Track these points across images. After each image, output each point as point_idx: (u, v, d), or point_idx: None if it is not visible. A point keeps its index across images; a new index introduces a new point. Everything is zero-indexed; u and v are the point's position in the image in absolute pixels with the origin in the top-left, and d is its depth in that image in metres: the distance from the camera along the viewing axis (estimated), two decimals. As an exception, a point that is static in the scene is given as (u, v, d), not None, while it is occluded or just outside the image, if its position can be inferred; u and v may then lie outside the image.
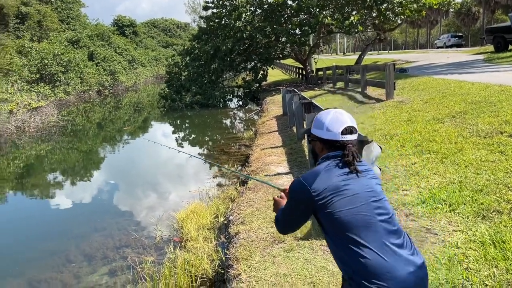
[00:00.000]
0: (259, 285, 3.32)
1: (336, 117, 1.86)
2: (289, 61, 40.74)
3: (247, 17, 21.58)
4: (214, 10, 23.28)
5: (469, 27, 66.01)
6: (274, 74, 38.62)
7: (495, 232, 3.60)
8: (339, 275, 3.33)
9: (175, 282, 4.05)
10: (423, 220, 4.12)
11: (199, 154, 11.88)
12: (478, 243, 3.52)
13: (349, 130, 1.83)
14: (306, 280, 3.27)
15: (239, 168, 8.53)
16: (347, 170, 1.77)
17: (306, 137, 2.24)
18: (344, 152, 1.79)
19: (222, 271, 3.97)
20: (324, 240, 3.88)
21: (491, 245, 3.45)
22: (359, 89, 13.62)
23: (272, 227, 4.41)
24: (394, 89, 10.43)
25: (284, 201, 2.01)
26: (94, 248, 5.58)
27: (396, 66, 21.74)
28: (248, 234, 4.32)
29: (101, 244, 5.69)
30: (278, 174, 6.52)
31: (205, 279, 4.16)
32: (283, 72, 43.50)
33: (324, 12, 20.21)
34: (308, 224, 4.22)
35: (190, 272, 4.18)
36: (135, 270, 4.56)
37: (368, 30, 26.42)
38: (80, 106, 27.13)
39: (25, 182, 10.22)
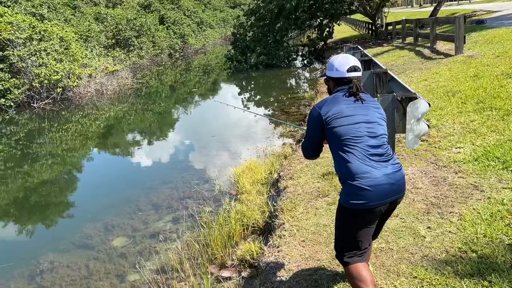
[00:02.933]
0: (299, 233, 3.57)
1: (343, 59, 2.38)
2: (359, 16, 38.98)
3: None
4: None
5: None
6: (343, 31, 37.30)
7: (546, 190, 3.50)
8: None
9: (228, 229, 4.44)
10: (472, 177, 4.08)
11: (261, 113, 12.22)
12: (525, 200, 3.46)
13: (353, 68, 2.34)
14: (344, 230, 3.47)
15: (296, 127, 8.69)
16: (353, 99, 2.28)
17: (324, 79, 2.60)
18: (350, 85, 2.31)
19: (271, 221, 4.28)
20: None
21: (539, 203, 3.37)
22: (429, 44, 12.90)
23: (318, 182, 4.61)
24: (464, 43, 9.78)
25: None
26: (161, 198, 6.19)
27: (473, 18, 20.11)
28: (295, 188, 4.57)
29: (167, 195, 6.29)
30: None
31: (256, 228, 4.51)
32: (352, 28, 41.82)
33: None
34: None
35: (242, 221, 4.55)
36: (194, 218, 5.04)
37: (446, -21, 24.39)
38: (153, 69, 28.44)
39: (106, 140, 11.24)
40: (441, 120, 5.76)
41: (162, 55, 33.10)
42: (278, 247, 3.41)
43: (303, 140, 2.45)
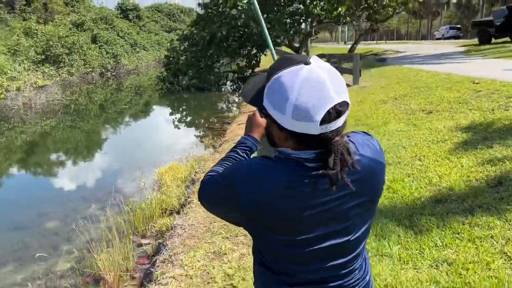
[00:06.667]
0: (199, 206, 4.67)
1: (314, 85, 0.99)
2: (287, 49, 41.73)
3: (243, 5, 22.69)
4: (212, -3, 24.40)
5: (469, 19, 66.66)
6: (271, 61, 39.68)
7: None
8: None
9: (150, 212, 5.42)
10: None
11: (194, 135, 13.36)
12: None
13: (336, 112, 1.00)
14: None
15: (220, 141, 9.85)
16: (327, 183, 1.02)
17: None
18: (328, 158, 1.01)
19: (185, 203, 5.35)
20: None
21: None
22: (338, 76, 14.86)
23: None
24: (360, 76, 11.68)
25: (256, 128, 1.43)
26: (91, 193, 6.99)
27: (382, 56, 22.96)
28: (206, 178, 5.69)
29: (100, 190, 7.11)
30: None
31: (172, 211, 5.54)
32: (281, 60, 44.46)
33: (314, 3, 21.32)
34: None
35: (161, 205, 5.56)
36: (121, 207, 5.93)
37: (361, 21, 27.55)
38: (83, 87, 28.40)
39: (27, 158, 11.58)
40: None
41: (93, 74, 33.10)
42: (186, 214, 4.48)
43: (209, 178, 1.27)
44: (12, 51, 23.07)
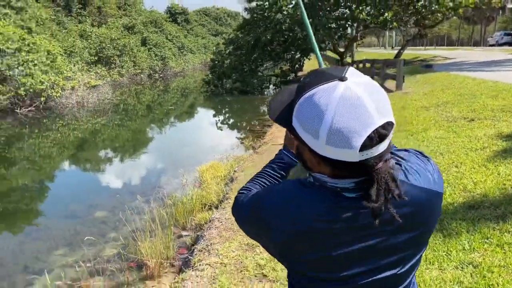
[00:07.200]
0: (240, 201, 4.93)
1: (352, 106, 0.83)
2: (332, 54, 41.54)
3: (288, 10, 22.90)
4: (258, 2, 24.77)
5: (526, 25, 63.42)
6: (315, 65, 39.61)
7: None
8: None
9: (190, 206, 5.74)
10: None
11: (236, 137, 13.70)
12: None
13: (379, 136, 0.85)
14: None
15: (259, 142, 10.11)
16: (361, 220, 0.91)
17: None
18: (369, 188, 0.86)
19: (223, 199, 5.62)
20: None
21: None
22: (380, 82, 14.74)
23: (261, 173, 6.00)
24: (403, 82, 11.57)
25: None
26: (136, 187, 7.43)
27: (430, 62, 22.45)
28: (245, 177, 5.94)
29: (145, 184, 7.55)
30: (282, 144, 8.08)
31: (211, 206, 5.83)
32: (325, 64, 44.24)
33: (360, 8, 21.18)
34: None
35: (201, 201, 5.86)
36: (164, 201, 6.30)
37: (409, 26, 27.02)
38: (132, 88, 29.65)
39: (79, 153, 12.34)
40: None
41: (142, 75, 34.44)
42: (224, 208, 4.75)
43: (241, 196, 1.17)
44: (68, 52, 24.52)
